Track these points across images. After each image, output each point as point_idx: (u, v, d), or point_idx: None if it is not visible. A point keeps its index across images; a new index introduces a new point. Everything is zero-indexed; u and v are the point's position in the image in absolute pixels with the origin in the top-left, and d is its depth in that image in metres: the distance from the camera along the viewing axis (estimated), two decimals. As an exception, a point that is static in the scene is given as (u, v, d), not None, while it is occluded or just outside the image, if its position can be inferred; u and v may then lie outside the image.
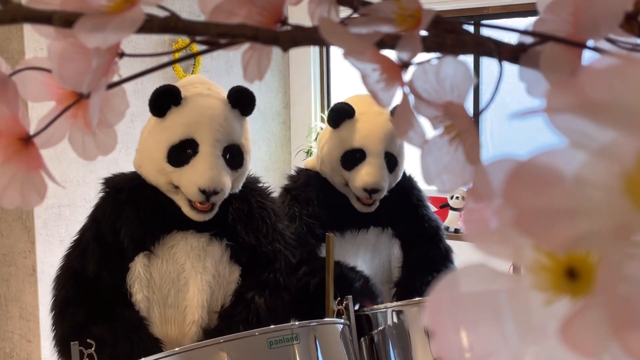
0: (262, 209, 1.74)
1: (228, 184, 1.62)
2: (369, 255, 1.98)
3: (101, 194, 1.69)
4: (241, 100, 1.67)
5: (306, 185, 1.97)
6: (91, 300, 1.59)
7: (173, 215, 1.65)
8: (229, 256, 1.69)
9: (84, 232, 1.67)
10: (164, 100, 1.62)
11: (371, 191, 1.87)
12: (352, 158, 1.90)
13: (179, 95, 1.62)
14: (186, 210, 1.64)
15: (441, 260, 2.02)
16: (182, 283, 1.64)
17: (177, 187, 1.63)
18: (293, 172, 2.08)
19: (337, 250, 1.87)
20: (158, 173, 1.63)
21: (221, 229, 1.68)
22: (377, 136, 1.89)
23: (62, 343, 1.60)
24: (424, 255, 2.00)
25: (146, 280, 1.61)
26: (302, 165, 2.12)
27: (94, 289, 1.60)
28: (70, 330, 1.56)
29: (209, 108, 1.63)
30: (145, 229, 1.62)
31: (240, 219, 1.69)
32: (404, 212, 2.00)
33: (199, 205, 1.62)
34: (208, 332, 1.64)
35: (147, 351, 1.50)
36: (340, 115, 1.92)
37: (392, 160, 1.92)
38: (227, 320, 1.64)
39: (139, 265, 1.60)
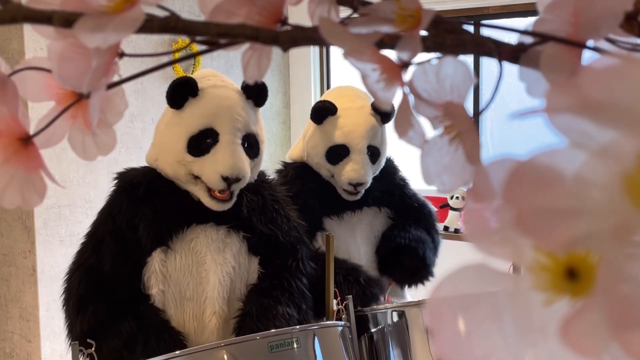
0: (274, 200, 1.77)
1: (249, 171, 1.65)
2: (366, 233, 2.04)
3: (114, 188, 1.69)
4: (255, 91, 1.69)
5: (295, 178, 2.02)
6: (109, 297, 1.60)
7: (191, 209, 1.67)
8: (247, 248, 1.71)
9: (97, 227, 1.67)
10: (182, 92, 1.64)
11: (356, 185, 1.96)
12: (336, 154, 1.97)
13: (196, 87, 1.64)
14: (206, 200, 1.65)
15: (425, 223, 2.11)
16: (202, 275, 1.65)
17: (196, 178, 1.64)
18: (280, 166, 2.12)
19: (337, 232, 1.97)
20: (177, 164, 1.64)
21: (238, 221, 1.70)
22: (359, 133, 1.96)
23: (83, 339, 1.59)
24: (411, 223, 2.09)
25: (162, 275, 1.62)
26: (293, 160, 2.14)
27: (110, 285, 1.61)
28: (94, 326, 1.56)
29: (226, 98, 1.65)
30: (164, 225, 1.63)
31: (254, 210, 1.72)
32: (393, 192, 2.09)
33: (218, 194, 1.64)
34: (249, 295, 1.66)
35: (177, 347, 1.51)
36: (323, 113, 1.98)
37: (374, 153, 2.00)
38: (262, 289, 1.67)
39: (155, 261, 1.61)
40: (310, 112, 2.01)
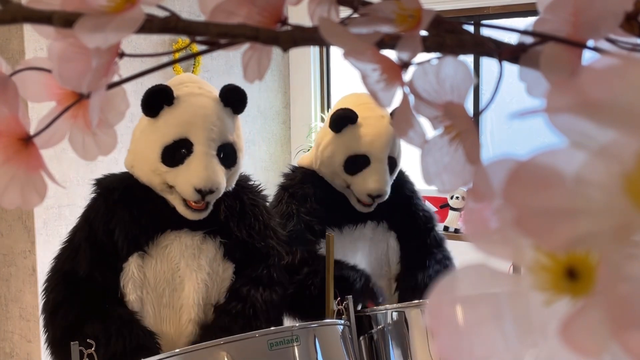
0: (254, 206, 1.75)
1: (223, 182, 1.63)
2: (367, 249, 2.00)
3: (93, 195, 1.69)
4: (233, 99, 1.67)
5: (303, 182, 1.98)
6: (82, 301, 1.59)
7: (166, 215, 1.66)
8: (223, 253, 1.69)
9: (75, 233, 1.67)
10: (157, 100, 1.62)
11: (375, 197, 1.90)
12: (356, 163, 1.91)
13: (171, 95, 1.62)
14: (181, 209, 1.64)
15: (436, 246, 2.05)
16: (177, 282, 1.64)
17: (171, 187, 1.63)
18: (288, 170, 2.08)
19: (336, 246, 1.88)
20: (152, 173, 1.63)
21: (214, 226, 1.68)
22: (381, 142, 1.90)
23: (54, 345, 1.59)
24: (420, 245, 2.03)
25: (140, 280, 1.61)
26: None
27: (85, 290, 1.60)
28: (62, 331, 1.55)
29: (201, 107, 1.63)
30: (139, 229, 1.62)
31: (232, 216, 1.70)
32: (399, 204, 2.03)
33: (193, 204, 1.63)
34: (205, 327, 1.64)
35: (141, 345, 1.51)
36: (343, 121, 1.92)
37: (392, 164, 1.95)
38: (223, 314, 1.65)
39: (132, 266, 1.60)
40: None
